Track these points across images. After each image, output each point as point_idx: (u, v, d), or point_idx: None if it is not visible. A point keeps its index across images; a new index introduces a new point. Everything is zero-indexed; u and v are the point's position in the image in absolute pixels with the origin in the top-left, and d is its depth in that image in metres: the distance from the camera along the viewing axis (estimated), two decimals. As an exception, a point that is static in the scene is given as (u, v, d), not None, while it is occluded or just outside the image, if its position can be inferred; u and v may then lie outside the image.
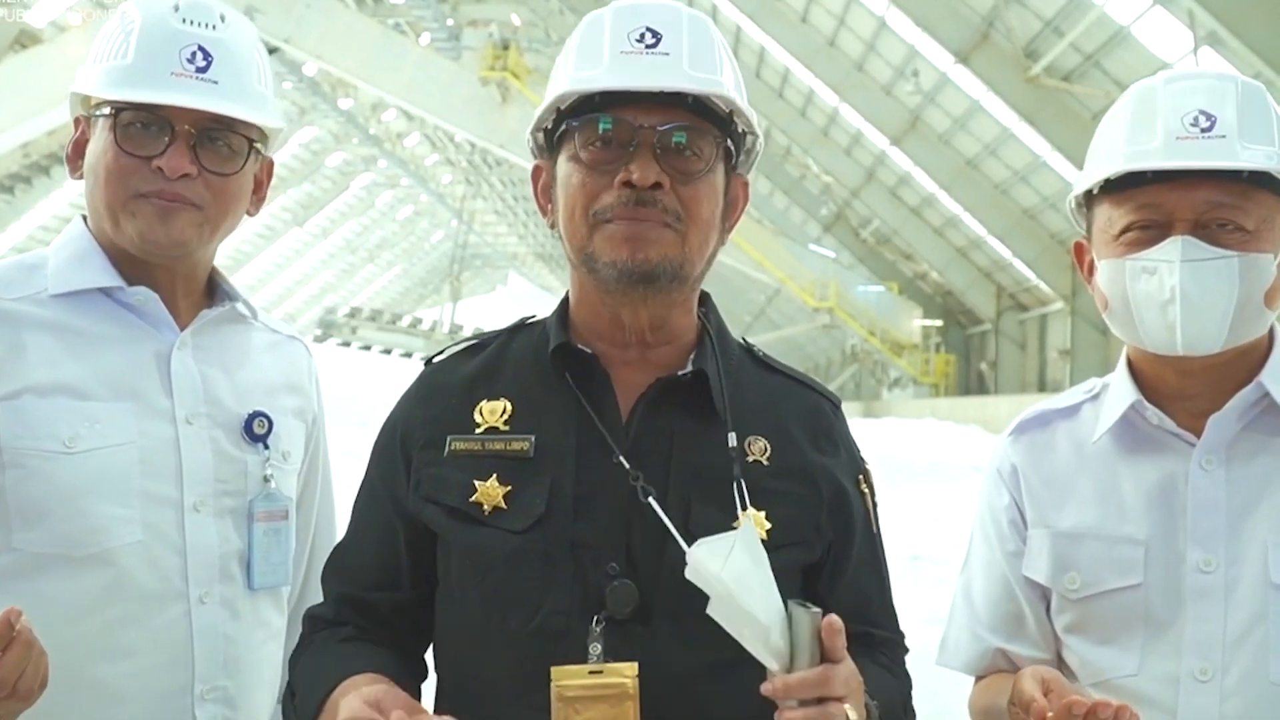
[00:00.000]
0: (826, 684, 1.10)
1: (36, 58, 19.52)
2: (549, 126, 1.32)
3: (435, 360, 1.43)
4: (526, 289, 55.62)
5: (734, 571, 1.11)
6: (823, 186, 32.63)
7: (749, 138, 1.34)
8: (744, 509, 1.25)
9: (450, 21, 25.81)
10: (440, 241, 53.46)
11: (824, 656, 1.11)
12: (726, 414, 1.30)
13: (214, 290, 1.63)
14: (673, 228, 1.26)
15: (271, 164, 1.63)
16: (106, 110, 1.47)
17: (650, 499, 1.23)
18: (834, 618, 1.11)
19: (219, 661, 1.50)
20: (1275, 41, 13.76)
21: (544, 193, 1.36)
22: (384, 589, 1.35)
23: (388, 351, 28.87)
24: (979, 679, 1.56)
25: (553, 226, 1.35)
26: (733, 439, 1.28)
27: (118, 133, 1.46)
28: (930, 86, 22.39)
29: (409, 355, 28.42)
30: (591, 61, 1.28)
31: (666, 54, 1.27)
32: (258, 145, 1.55)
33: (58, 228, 31.54)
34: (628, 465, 1.27)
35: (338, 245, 50.99)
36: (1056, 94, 19.24)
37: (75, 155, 1.55)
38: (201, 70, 1.47)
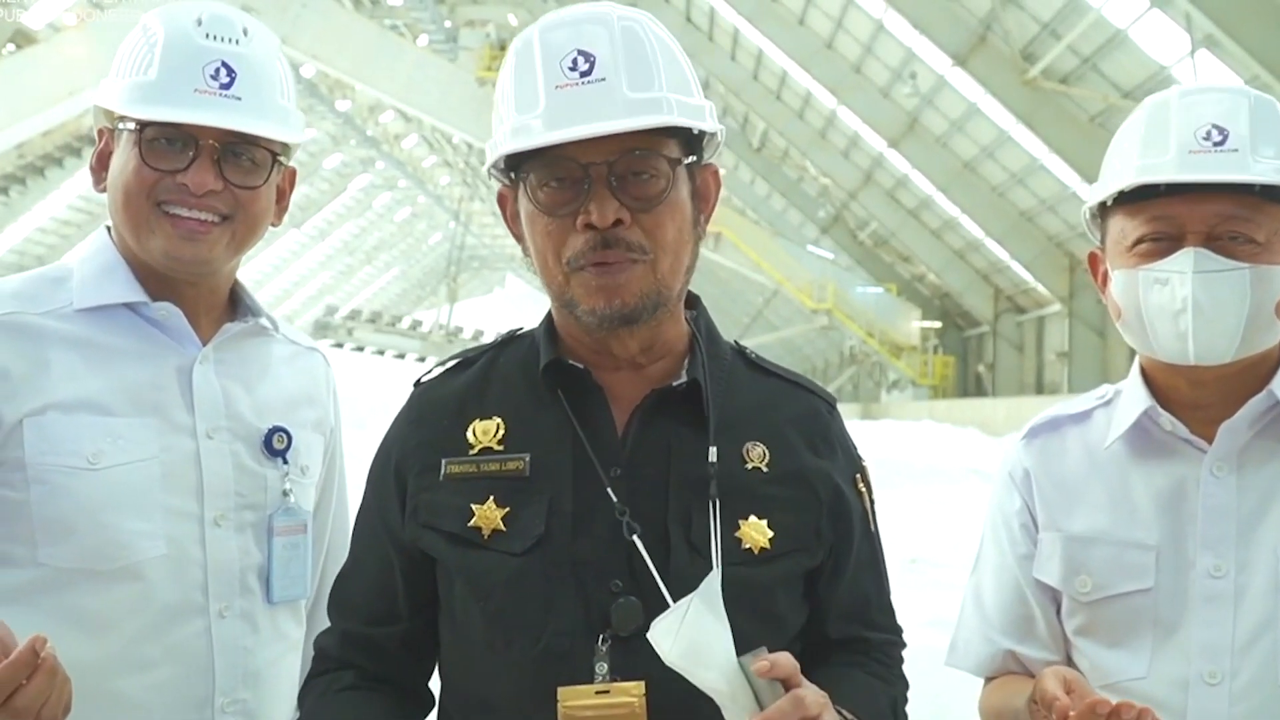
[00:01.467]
0: (800, 707, 1.11)
1: (31, 58, 19.51)
2: (501, 164, 1.29)
3: (424, 380, 1.41)
4: (524, 291, 55.65)
5: (683, 648, 1.13)
6: (820, 188, 32.68)
7: (708, 131, 1.28)
8: (720, 527, 1.24)
9: (448, 24, 25.82)
10: (438, 243, 53.50)
11: (787, 686, 1.14)
12: (710, 427, 1.28)
13: (236, 302, 1.63)
14: (641, 261, 1.24)
15: (294, 172, 1.63)
16: (131, 125, 1.48)
17: (635, 537, 1.22)
18: (773, 658, 1.13)
19: (239, 674, 1.51)
20: (1272, 45, 13.80)
21: (514, 221, 1.33)
22: (384, 623, 1.34)
23: (380, 353, 28.90)
24: (988, 680, 1.58)
25: (526, 255, 1.32)
26: (713, 454, 1.27)
27: (142, 148, 1.47)
28: (928, 89, 22.44)
29: (402, 357, 28.42)
30: (529, 102, 1.23)
31: (603, 79, 1.21)
32: (280, 157, 1.55)
33: (56, 230, 31.57)
34: (619, 485, 1.25)
35: (335, 247, 51.03)
36: (1054, 96, 19.28)
37: (99, 167, 1.55)
38: (225, 87, 1.47)
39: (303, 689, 1.38)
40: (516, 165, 1.26)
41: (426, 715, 1.37)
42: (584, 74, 1.21)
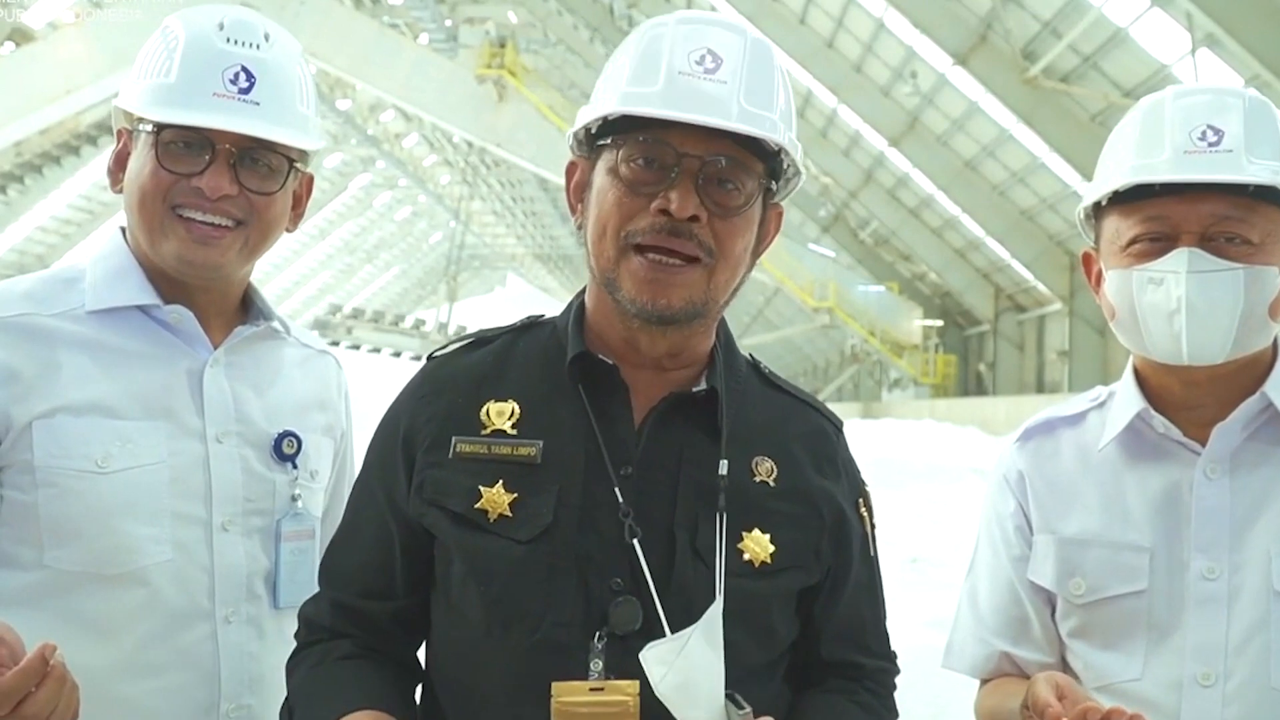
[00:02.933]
0: None
1: (29, 56, 19.49)
2: (592, 130, 1.29)
3: (438, 354, 1.40)
4: (525, 290, 55.59)
5: (676, 680, 1.14)
6: (821, 187, 32.64)
7: (791, 169, 1.31)
8: (724, 545, 1.24)
9: (448, 22, 25.80)
10: (439, 242, 53.48)
11: None
12: (723, 440, 1.28)
13: (248, 305, 1.63)
14: (702, 262, 1.24)
15: (311, 179, 1.62)
16: (148, 127, 1.47)
17: (635, 541, 1.22)
18: None
19: (244, 680, 1.51)
20: (1273, 43, 13.79)
21: (576, 191, 1.33)
22: (378, 597, 1.34)
23: (378, 352, 28.92)
24: (984, 682, 1.58)
25: (580, 228, 1.32)
26: (724, 467, 1.27)
27: (159, 150, 1.46)
28: (928, 88, 22.42)
29: (411, 356, 28.41)
30: (647, 78, 1.24)
31: (724, 82, 1.23)
32: (297, 164, 1.54)
33: (57, 229, 31.53)
34: (628, 484, 1.25)
35: (336, 246, 51.02)
36: (1054, 95, 19.26)
37: (117, 168, 1.55)
38: (244, 91, 1.47)
39: (291, 659, 1.37)
40: (605, 134, 1.27)
41: (417, 686, 1.36)
42: (709, 70, 1.24)
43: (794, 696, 1.34)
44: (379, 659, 1.32)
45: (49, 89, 18.72)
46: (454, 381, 1.34)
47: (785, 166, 1.30)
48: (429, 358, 1.41)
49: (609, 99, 1.26)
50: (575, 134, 1.32)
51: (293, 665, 1.36)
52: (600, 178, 1.27)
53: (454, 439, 1.29)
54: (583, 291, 1.38)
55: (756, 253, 1.33)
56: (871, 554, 1.39)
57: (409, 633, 1.35)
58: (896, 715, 1.40)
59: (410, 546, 1.31)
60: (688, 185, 1.22)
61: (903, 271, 33.61)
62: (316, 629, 1.36)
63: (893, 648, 1.42)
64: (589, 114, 1.28)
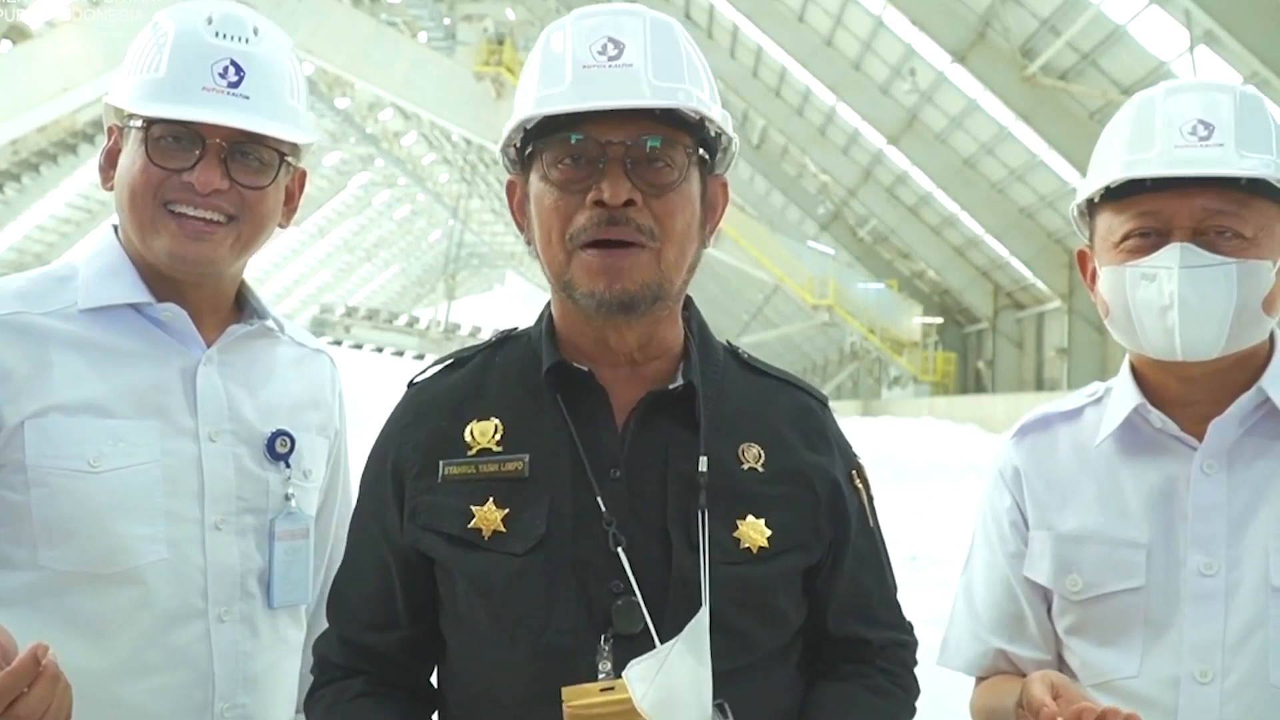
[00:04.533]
0: None
1: (26, 53, 19.46)
2: (518, 145, 1.30)
3: (418, 381, 1.41)
4: (524, 288, 55.64)
5: (658, 697, 1.14)
6: (820, 185, 32.64)
7: (723, 138, 1.31)
8: (707, 543, 1.23)
9: (446, 20, 25.79)
10: (437, 241, 53.49)
11: None
12: (701, 437, 1.29)
13: (242, 304, 1.63)
14: (647, 246, 1.24)
15: (304, 175, 1.62)
16: (138, 123, 1.47)
17: (620, 550, 1.23)
18: None
19: (238, 679, 1.50)
20: (1272, 41, 13.79)
21: (519, 209, 1.34)
22: (383, 629, 1.35)
23: (379, 350, 28.91)
24: (980, 679, 1.58)
25: (529, 244, 1.33)
26: (703, 464, 1.27)
27: (149, 146, 1.46)
28: (927, 86, 22.41)
29: (400, 354, 28.40)
30: (554, 79, 1.25)
31: (629, 65, 1.24)
32: (289, 158, 1.54)
33: (55, 228, 31.51)
34: (619, 486, 1.26)
35: (335, 244, 51.01)
36: (1053, 93, 19.26)
37: (108, 165, 1.54)
38: (233, 85, 1.46)
39: (309, 699, 1.38)
40: (530, 146, 1.27)
41: (433, 713, 1.37)
42: (612, 58, 1.25)
43: (807, 686, 1.34)
44: (390, 695, 1.34)
45: (46, 87, 18.68)
46: (435, 406, 1.35)
47: (716, 135, 1.30)
48: (409, 385, 1.42)
49: (524, 107, 1.27)
50: (505, 153, 1.32)
51: (309, 706, 1.38)
52: (535, 187, 1.28)
53: (441, 463, 1.30)
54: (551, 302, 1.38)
55: (707, 229, 1.33)
56: (871, 525, 1.39)
57: (418, 661, 1.36)
58: (915, 692, 1.39)
59: (408, 577, 1.32)
60: (617, 171, 1.23)
61: (902, 269, 33.59)
62: (329, 667, 1.38)
63: (906, 618, 1.41)
64: (508, 127, 1.29)
